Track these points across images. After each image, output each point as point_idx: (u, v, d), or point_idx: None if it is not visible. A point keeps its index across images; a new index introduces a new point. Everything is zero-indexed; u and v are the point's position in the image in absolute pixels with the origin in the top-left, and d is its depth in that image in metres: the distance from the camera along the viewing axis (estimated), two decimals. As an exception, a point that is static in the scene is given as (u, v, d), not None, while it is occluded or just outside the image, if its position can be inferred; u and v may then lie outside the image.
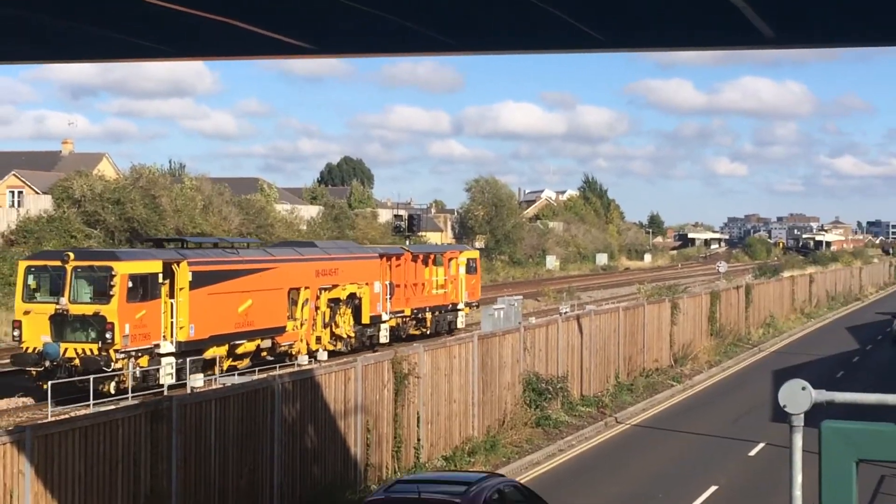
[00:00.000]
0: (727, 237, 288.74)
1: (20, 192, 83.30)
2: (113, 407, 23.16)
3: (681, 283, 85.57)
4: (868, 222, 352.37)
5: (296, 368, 35.89)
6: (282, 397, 20.36)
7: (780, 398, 5.68)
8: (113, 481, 16.70)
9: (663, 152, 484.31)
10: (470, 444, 26.83)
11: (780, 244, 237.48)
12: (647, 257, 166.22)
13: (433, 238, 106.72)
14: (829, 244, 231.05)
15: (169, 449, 17.65)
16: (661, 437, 30.89)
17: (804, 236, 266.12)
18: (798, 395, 5.65)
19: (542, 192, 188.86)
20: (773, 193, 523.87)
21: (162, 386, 34.23)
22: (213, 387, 28.73)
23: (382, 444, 23.67)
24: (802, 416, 5.70)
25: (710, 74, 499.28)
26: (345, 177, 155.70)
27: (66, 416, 26.89)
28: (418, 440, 24.92)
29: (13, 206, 79.34)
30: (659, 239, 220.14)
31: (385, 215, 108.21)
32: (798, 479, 5.74)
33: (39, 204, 71.41)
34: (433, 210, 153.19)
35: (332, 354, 42.43)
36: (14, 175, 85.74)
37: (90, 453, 16.30)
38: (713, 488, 24.56)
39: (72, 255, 34.26)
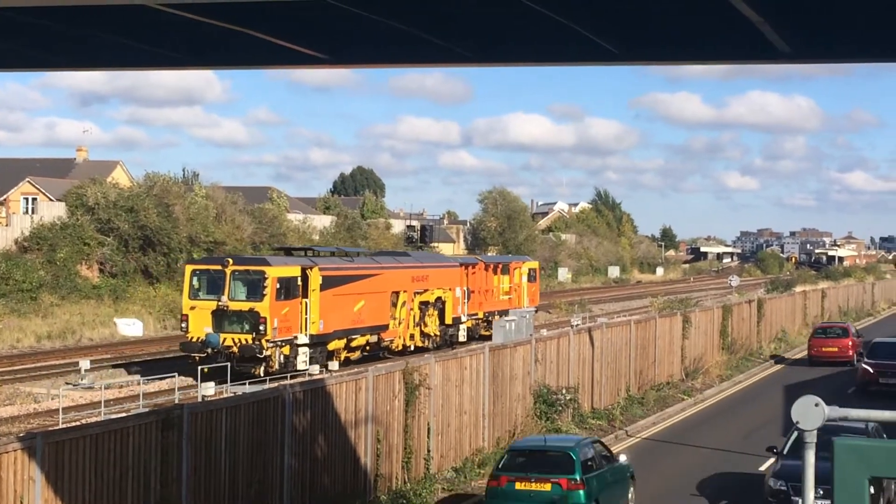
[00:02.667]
0: (739, 251, 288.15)
1: (34, 199, 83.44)
2: (125, 415, 23.18)
3: (693, 296, 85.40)
4: (881, 238, 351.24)
5: (307, 378, 35.94)
6: (292, 406, 20.35)
7: (794, 414, 5.66)
8: (123, 489, 16.70)
9: (673, 165, 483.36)
10: (480, 455, 26.79)
11: (793, 259, 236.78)
12: (660, 270, 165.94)
13: (445, 249, 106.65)
14: (841, 259, 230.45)
15: (179, 457, 17.65)
16: (672, 451, 30.80)
17: (817, 251, 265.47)
18: (811, 412, 5.63)
19: (554, 204, 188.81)
20: (785, 208, 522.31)
21: (300, 370, 40.25)
22: (225, 395, 28.75)
23: (392, 455, 23.65)
24: (815, 432, 5.68)
25: (717, 88, 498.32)
26: (358, 187, 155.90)
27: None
28: (428, 451, 24.89)
29: (27, 212, 79.49)
30: (671, 252, 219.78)
31: (398, 226, 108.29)
32: (811, 495, 5.72)
33: (53, 211, 71.56)
34: (445, 221, 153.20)
35: (420, 350, 47.38)
36: (28, 182, 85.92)
37: (101, 461, 16.31)
38: (723, 503, 24.48)
39: (231, 261, 41.09)
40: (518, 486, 21.01)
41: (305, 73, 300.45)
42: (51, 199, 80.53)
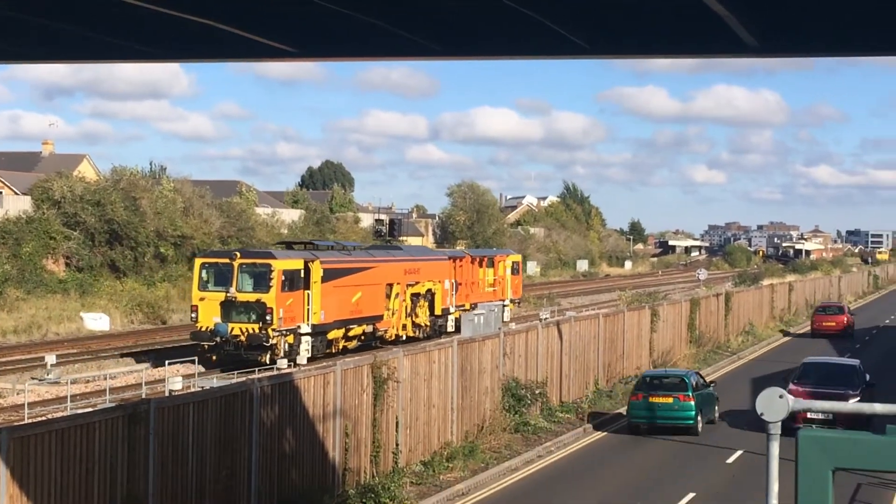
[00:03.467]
0: (708, 245, 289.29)
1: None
2: (91, 409, 23.06)
3: (661, 290, 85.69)
4: (847, 231, 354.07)
5: (275, 372, 35.86)
6: (260, 401, 20.30)
7: (758, 406, 5.69)
8: (89, 484, 16.61)
9: (640, 159, 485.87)
10: (448, 449, 26.80)
11: (760, 252, 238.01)
12: (628, 264, 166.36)
13: (414, 243, 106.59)
14: (808, 253, 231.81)
15: (146, 452, 17.57)
16: (640, 444, 30.91)
17: (784, 245, 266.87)
18: (775, 404, 5.66)
19: (523, 198, 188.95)
20: (752, 202, 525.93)
21: (302, 358, 42.71)
22: (192, 390, 28.64)
23: (361, 449, 23.63)
24: (780, 424, 5.70)
25: (684, 82, 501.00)
26: (326, 181, 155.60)
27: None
28: (397, 445, 24.89)
29: (-8, 206, 78.86)
30: (640, 246, 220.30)
31: (367, 219, 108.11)
32: (774, 487, 5.75)
33: (19, 205, 71.01)
34: (414, 215, 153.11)
35: (411, 339, 49.28)
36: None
37: (67, 456, 16.21)
38: (691, 495, 24.60)
39: (238, 255, 43.10)
40: (651, 399, 31.72)
41: (271, 66, 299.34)
42: (16, 193, 79.92)
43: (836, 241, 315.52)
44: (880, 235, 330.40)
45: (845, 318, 65.09)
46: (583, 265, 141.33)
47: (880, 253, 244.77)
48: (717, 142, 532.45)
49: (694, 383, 32.41)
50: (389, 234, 63.33)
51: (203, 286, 42.71)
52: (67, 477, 16.24)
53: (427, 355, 26.59)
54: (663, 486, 25.59)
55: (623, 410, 33.97)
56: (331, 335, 45.45)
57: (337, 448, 22.64)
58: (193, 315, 42.69)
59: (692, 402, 31.65)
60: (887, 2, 12.09)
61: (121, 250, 70.73)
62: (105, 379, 36.51)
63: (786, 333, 65.22)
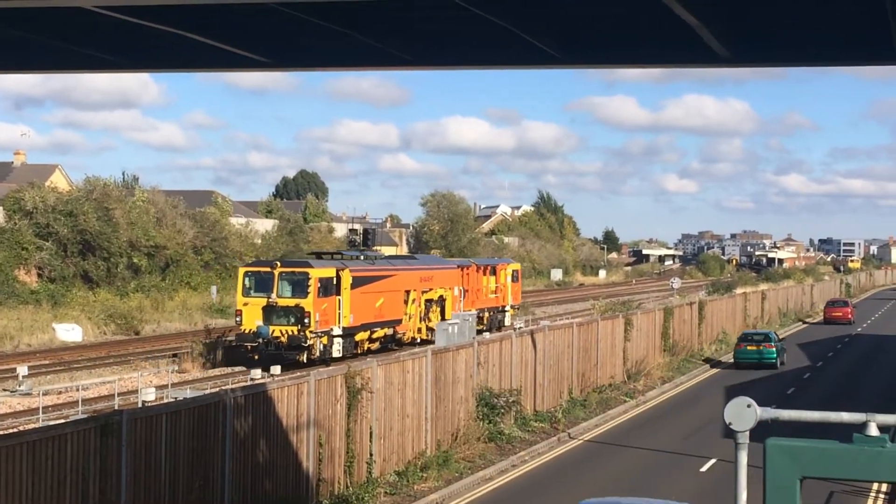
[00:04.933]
0: (681, 253, 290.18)
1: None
2: (63, 421, 22.92)
3: (635, 298, 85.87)
4: (820, 240, 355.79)
5: (248, 382, 35.78)
6: (233, 411, 20.23)
7: (726, 416, 5.72)
8: (61, 496, 16.50)
9: (612, 168, 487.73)
10: (422, 458, 26.78)
11: (734, 261, 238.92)
12: (602, 273, 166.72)
13: (388, 252, 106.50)
14: (781, 261, 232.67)
15: (118, 464, 17.47)
16: (614, 453, 30.96)
17: (757, 253, 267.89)
18: (743, 413, 5.69)
19: (497, 207, 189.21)
20: (725, 210, 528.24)
21: (335, 357, 46.17)
22: (165, 401, 28.53)
23: (335, 459, 23.58)
24: (748, 433, 5.73)
25: (653, 92, 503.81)
26: (300, 190, 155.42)
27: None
28: (371, 455, 24.84)
29: (-36, 216, 78.40)
30: (614, 255, 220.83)
31: (341, 229, 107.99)
32: (743, 496, 5.78)
33: (-10, 215, 70.65)
34: (388, 224, 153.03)
35: (425, 342, 51.64)
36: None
37: (38, 468, 16.09)
38: (664, 504, 24.59)
39: (279, 264, 47.43)
40: (748, 347, 51.16)
41: (241, 76, 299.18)
42: (-12, 204, 79.45)
43: (808, 250, 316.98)
44: (852, 244, 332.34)
45: (850, 310, 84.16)
46: (557, 274, 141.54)
47: (852, 261, 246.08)
48: (687, 151, 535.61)
49: (774, 338, 52.26)
50: (363, 243, 63.23)
51: (246, 293, 46.52)
52: (39, 489, 16.13)
53: (401, 365, 26.57)
54: (638, 495, 25.60)
55: (597, 422, 33.97)
56: (358, 337, 49.42)
57: (311, 458, 22.59)
58: (238, 318, 46.63)
59: (773, 349, 50.97)
60: (853, 14, 12.20)
61: (93, 261, 70.45)
62: (77, 390, 36.34)
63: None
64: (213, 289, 77.70)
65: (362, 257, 53.43)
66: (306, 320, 45.29)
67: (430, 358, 27.83)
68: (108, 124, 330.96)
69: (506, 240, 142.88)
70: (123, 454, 17.51)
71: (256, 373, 41.23)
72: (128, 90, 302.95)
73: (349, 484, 23.78)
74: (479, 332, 55.44)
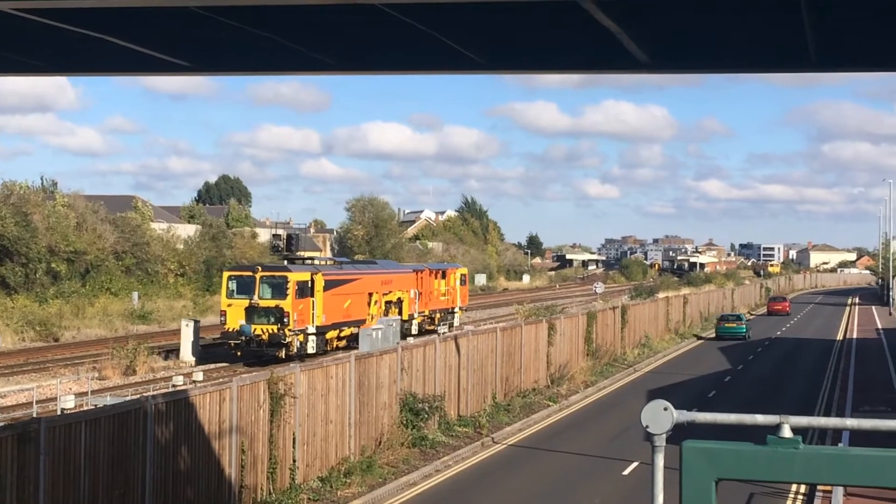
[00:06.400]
0: (604, 258, 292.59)
1: None
2: None
3: (558, 303, 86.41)
4: (741, 244, 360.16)
5: (170, 389, 35.46)
6: (154, 418, 20.04)
7: (643, 419, 5.78)
8: (-22, 506, 16.25)
9: (534, 174, 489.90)
10: (346, 464, 26.73)
11: (656, 265, 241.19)
12: (526, 278, 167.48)
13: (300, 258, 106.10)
14: (702, 266, 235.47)
15: (36, 473, 17.23)
16: (538, 457, 31.11)
17: (679, 258, 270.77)
18: (660, 416, 5.76)
19: (421, 212, 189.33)
20: (647, 216, 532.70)
21: (309, 353, 49.96)
22: (85, 408, 28.18)
23: (258, 465, 23.45)
24: (664, 436, 5.80)
25: (573, 97, 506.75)
26: (223, 195, 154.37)
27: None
28: (294, 461, 24.74)
29: None
30: (537, 260, 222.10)
31: (265, 234, 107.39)
32: (660, 498, 5.83)
33: None
34: (312, 230, 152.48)
35: None
36: None
37: (-46, 477, 15.83)
38: (587, 507, 24.80)
39: (260, 268, 51.48)
40: (726, 325, 71.90)
41: (160, 80, 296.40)
42: None
43: (729, 255, 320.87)
44: (772, 248, 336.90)
45: (787, 304, 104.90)
46: (481, 279, 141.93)
47: (772, 266, 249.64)
48: (608, 156, 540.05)
49: (743, 318, 75.21)
50: (287, 248, 63.08)
51: (230, 294, 50.41)
52: (-46, 499, 15.87)
53: (324, 370, 26.50)
54: (561, 499, 25.78)
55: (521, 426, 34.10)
56: (329, 335, 53.26)
57: (233, 465, 22.45)
58: (222, 318, 50.46)
59: (744, 325, 72.23)
60: (770, 21, 12.38)
61: (11, 266, 69.38)
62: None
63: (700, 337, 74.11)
64: (135, 295, 76.88)
65: (329, 262, 58.43)
66: (286, 320, 49.10)
67: (353, 363, 27.78)
68: (23, 128, 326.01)
69: (430, 245, 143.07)
70: (42, 463, 17.28)
71: (178, 379, 40.94)
72: (43, 94, 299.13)
73: (272, 490, 23.67)
74: (431, 331, 61.80)
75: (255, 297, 49.56)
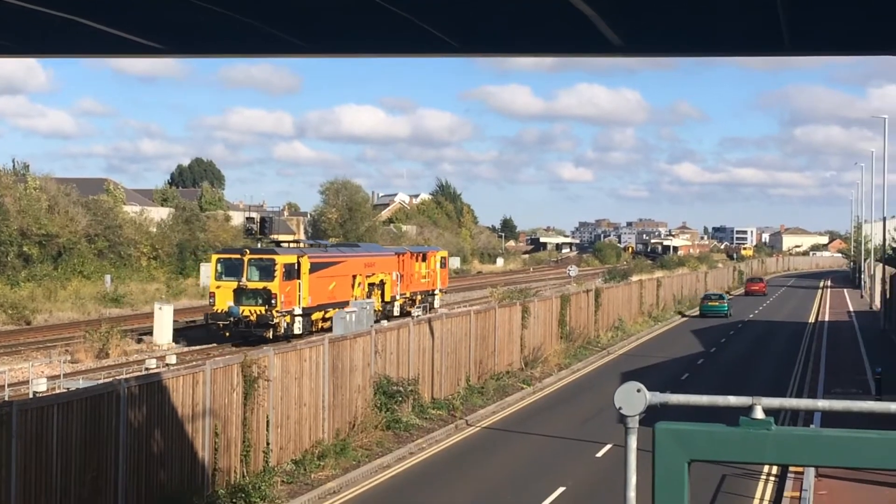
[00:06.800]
0: (578, 241, 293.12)
1: None
2: None
3: (532, 286, 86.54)
4: (714, 228, 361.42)
5: (143, 372, 35.38)
6: (128, 401, 19.98)
7: (616, 400, 5.79)
8: (-51, 489, 16.17)
9: (508, 157, 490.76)
10: (320, 447, 26.72)
11: (630, 249, 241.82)
12: (500, 261, 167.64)
13: (286, 241, 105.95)
14: (676, 249, 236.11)
15: (8, 456, 17.16)
16: (511, 440, 31.19)
17: (652, 241, 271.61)
18: (633, 398, 5.77)
19: (395, 195, 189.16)
20: (621, 199, 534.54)
21: (296, 334, 50.92)
22: (57, 391, 28.07)
23: (231, 449, 23.42)
24: (637, 417, 5.81)
25: (546, 81, 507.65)
26: (196, 178, 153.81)
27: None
28: (267, 444, 24.72)
29: None
30: (511, 243, 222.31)
31: (238, 218, 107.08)
32: (633, 479, 5.85)
33: None
34: (286, 213, 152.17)
35: None
36: None
37: (-75, 461, 15.75)
38: (561, 489, 24.91)
39: (248, 251, 52.27)
40: (709, 303, 78.30)
41: (130, 62, 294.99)
42: None
43: (703, 238, 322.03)
44: (745, 232, 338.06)
45: (764, 285, 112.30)
46: (455, 262, 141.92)
47: (745, 249, 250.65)
48: (582, 140, 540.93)
49: (725, 298, 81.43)
50: (260, 231, 63.16)
51: (218, 277, 51.42)
52: (-75, 483, 15.78)
53: (298, 353, 26.47)
54: (535, 481, 25.87)
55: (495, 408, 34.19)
56: (314, 316, 54.56)
57: (206, 448, 22.41)
58: (211, 300, 51.53)
59: (726, 304, 78.73)
60: (744, 4, 12.40)
61: (-17, 249, 68.96)
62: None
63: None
64: (108, 278, 76.55)
65: (315, 245, 59.94)
66: (273, 301, 50.41)
67: (327, 346, 27.76)
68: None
69: (404, 228, 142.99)
70: (13, 446, 17.20)
71: (151, 363, 40.85)
72: (12, 76, 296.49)
73: (246, 473, 23.65)
74: (408, 314, 62.27)
75: (244, 279, 50.73)
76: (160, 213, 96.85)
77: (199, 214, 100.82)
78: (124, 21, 13.26)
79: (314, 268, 54.32)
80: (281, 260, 51.51)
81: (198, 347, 49.90)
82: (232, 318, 50.16)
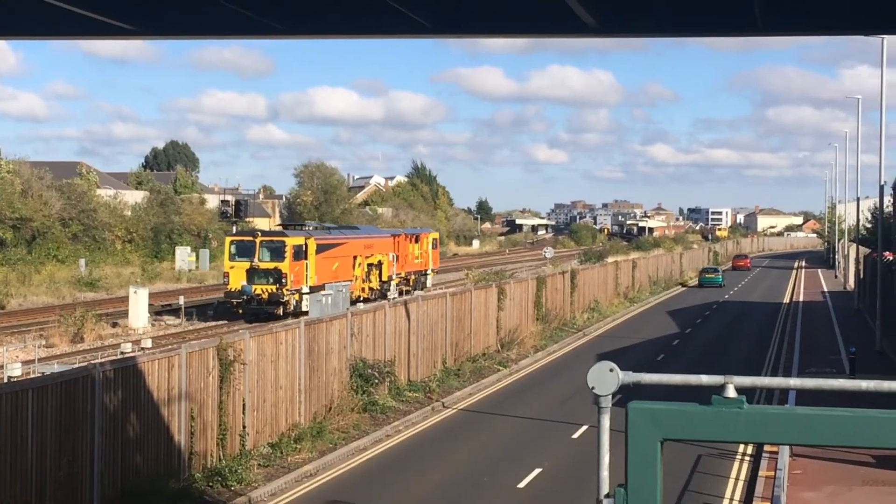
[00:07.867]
0: (554, 223, 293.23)
1: None
2: None
3: (508, 268, 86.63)
4: (689, 209, 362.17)
5: (118, 356, 35.24)
6: (103, 385, 19.91)
7: (589, 380, 5.79)
8: (-77, 475, 16.09)
9: (482, 139, 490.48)
10: (296, 430, 26.71)
11: (605, 230, 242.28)
12: (476, 243, 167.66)
13: (261, 224, 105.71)
14: (651, 230, 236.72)
15: (-17, 440, 17.08)
16: (488, 422, 31.25)
17: (628, 222, 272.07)
18: (606, 377, 5.78)
19: (370, 178, 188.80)
20: (596, 180, 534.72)
21: (304, 311, 51.71)
22: (32, 376, 27.94)
23: (207, 432, 23.38)
24: (610, 397, 5.83)
25: (518, 63, 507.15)
26: (171, 161, 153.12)
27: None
28: (244, 427, 24.70)
29: None
30: (487, 225, 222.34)
31: (213, 201, 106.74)
32: (605, 459, 5.86)
33: None
34: (261, 195, 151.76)
35: (367, 300, 58.77)
36: None
37: None
38: (537, 471, 24.98)
39: (259, 234, 56.73)
40: (707, 275, 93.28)
41: (100, 44, 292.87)
42: None
43: (678, 219, 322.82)
44: (720, 212, 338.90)
45: (748, 261, 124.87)
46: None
47: (720, 230, 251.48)
48: (555, 121, 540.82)
49: (719, 270, 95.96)
50: (235, 214, 63.26)
51: (232, 258, 54.95)
52: None
53: (274, 336, 26.43)
54: (511, 463, 25.93)
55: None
56: None
57: (182, 432, 22.36)
58: (225, 279, 54.87)
59: (720, 276, 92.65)
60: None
61: (-44, 234, 68.55)
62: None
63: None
64: (82, 262, 76.21)
65: (319, 227, 63.20)
66: (283, 280, 53.73)
67: (303, 329, 27.72)
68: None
69: (379, 210, 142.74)
70: (-13, 431, 17.12)
71: (127, 346, 40.73)
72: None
73: (222, 457, 23.62)
74: (407, 292, 66.03)
75: (256, 259, 54.15)
76: (135, 197, 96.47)
77: (173, 198, 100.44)
78: (95, 2, 13.17)
79: (320, 249, 57.47)
80: (290, 241, 54.95)
81: (212, 323, 53.13)
82: (245, 296, 53.49)
